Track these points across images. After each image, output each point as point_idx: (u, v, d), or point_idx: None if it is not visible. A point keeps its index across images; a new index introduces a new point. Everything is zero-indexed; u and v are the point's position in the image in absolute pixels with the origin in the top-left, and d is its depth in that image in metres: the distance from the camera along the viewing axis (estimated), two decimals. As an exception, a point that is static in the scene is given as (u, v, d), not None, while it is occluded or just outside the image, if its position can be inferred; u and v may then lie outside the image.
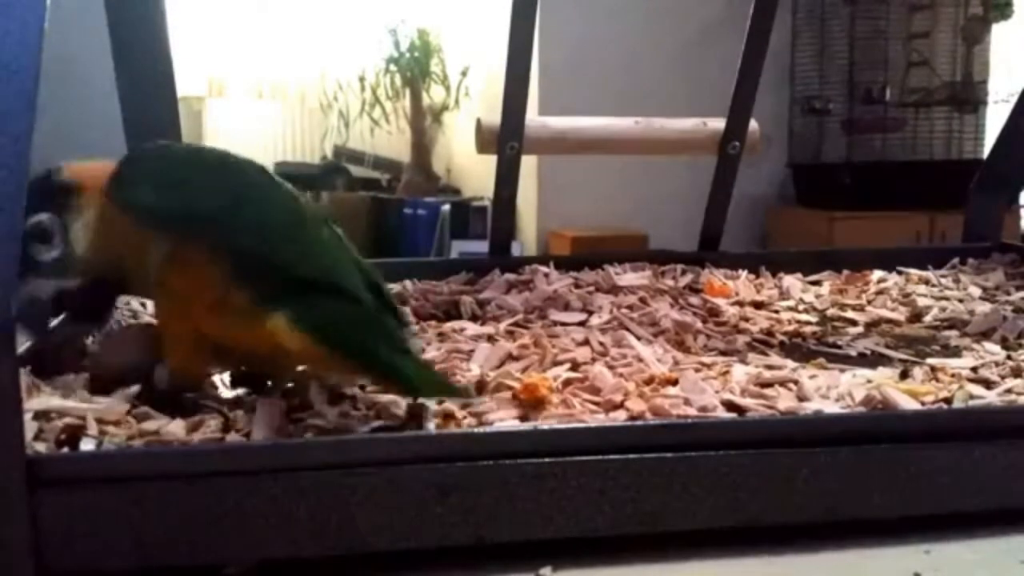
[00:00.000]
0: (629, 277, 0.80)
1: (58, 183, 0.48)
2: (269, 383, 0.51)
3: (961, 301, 0.76)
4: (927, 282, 0.82)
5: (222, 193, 0.48)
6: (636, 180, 2.51)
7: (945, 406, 0.50)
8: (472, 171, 2.99)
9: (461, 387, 0.49)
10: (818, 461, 0.42)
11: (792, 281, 0.82)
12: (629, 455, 0.41)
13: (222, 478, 0.38)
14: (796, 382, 0.53)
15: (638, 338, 0.62)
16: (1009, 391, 0.52)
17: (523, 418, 0.47)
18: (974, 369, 0.57)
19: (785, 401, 0.49)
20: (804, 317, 0.72)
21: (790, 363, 0.58)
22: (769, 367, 0.57)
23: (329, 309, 0.46)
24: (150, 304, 0.70)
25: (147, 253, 0.47)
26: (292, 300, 0.45)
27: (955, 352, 0.63)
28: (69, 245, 0.48)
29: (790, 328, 0.69)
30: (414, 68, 3.00)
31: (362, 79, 3.08)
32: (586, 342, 0.61)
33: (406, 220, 2.85)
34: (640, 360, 0.57)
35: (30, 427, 0.42)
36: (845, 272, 0.85)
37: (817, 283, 0.83)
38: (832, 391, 0.51)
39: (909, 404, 0.49)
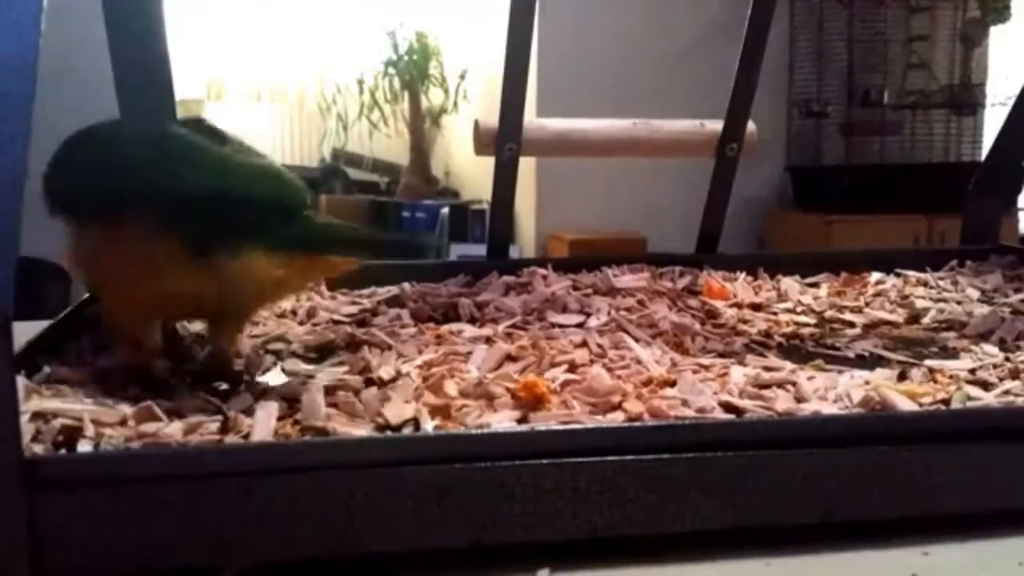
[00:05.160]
0: (627, 279, 0.80)
1: None
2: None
3: (959, 303, 0.76)
4: (925, 284, 0.82)
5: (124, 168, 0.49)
6: (634, 182, 2.52)
7: (943, 407, 0.50)
8: (471, 174, 3.00)
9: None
10: (816, 462, 0.42)
11: (790, 283, 0.82)
12: (627, 456, 0.41)
13: (220, 479, 0.38)
14: (794, 383, 0.53)
15: (636, 340, 0.62)
16: (1007, 392, 0.52)
17: (521, 420, 0.47)
18: (972, 371, 0.57)
19: (783, 402, 0.49)
20: (802, 319, 0.72)
21: (788, 365, 0.58)
22: (767, 368, 0.57)
23: (279, 227, 0.49)
24: None
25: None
26: (246, 234, 0.48)
27: (953, 354, 0.63)
28: None
29: (788, 330, 0.69)
30: (413, 71, 3.00)
31: (361, 82, 3.09)
32: (584, 344, 0.61)
33: (405, 223, 2.86)
34: (638, 362, 0.57)
35: (27, 428, 0.41)
36: (843, 274, 0.85)
37: (815, 285, 0.83)
38: (830, 392, 0.51)
39: (907, 405, 0.49)
